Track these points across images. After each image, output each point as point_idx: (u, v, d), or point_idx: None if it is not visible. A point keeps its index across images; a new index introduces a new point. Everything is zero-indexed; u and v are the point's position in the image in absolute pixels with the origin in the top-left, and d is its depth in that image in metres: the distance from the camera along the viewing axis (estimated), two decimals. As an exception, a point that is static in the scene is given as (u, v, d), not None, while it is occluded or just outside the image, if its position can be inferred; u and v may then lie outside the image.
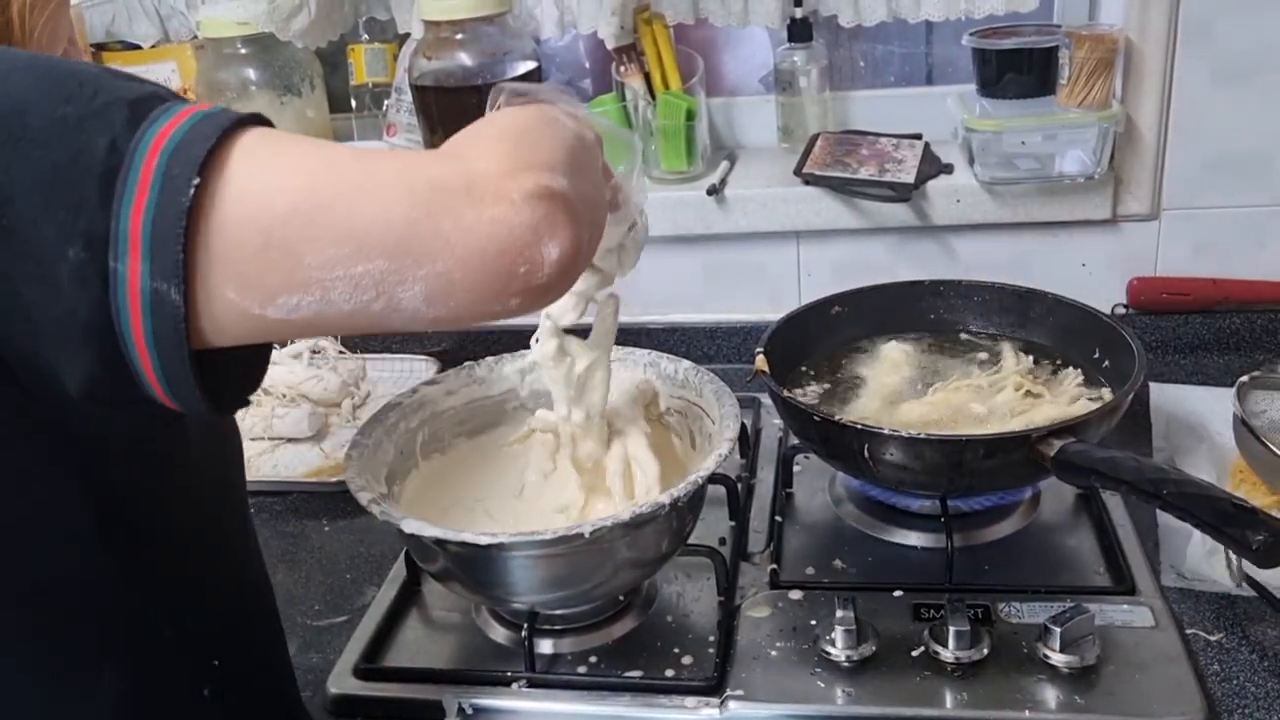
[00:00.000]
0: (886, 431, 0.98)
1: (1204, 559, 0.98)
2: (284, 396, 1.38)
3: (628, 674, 0.92)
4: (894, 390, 1.17)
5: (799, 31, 1.43)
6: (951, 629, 0.89)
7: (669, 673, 0.92)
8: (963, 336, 1.26)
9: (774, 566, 1.03)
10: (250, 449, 1.34)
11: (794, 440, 1.17)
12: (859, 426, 1.00)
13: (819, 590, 1.00)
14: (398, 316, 0.56)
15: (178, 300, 0.51)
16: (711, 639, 0.95)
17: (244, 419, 1.35)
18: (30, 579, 0.61)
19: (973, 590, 0.97)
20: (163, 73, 1.54)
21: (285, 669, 0.84)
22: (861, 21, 1.40)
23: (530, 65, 1.32)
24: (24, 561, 0.60)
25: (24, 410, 0.56)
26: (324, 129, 1.56)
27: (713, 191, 1.41)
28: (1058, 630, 0.88)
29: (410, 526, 0.85)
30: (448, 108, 1.31)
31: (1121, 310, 1.41)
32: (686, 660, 0.94)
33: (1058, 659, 0.88)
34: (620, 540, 0.89)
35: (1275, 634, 0.92)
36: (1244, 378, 1.13)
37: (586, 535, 0.83)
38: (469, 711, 0.91)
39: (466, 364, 1.12)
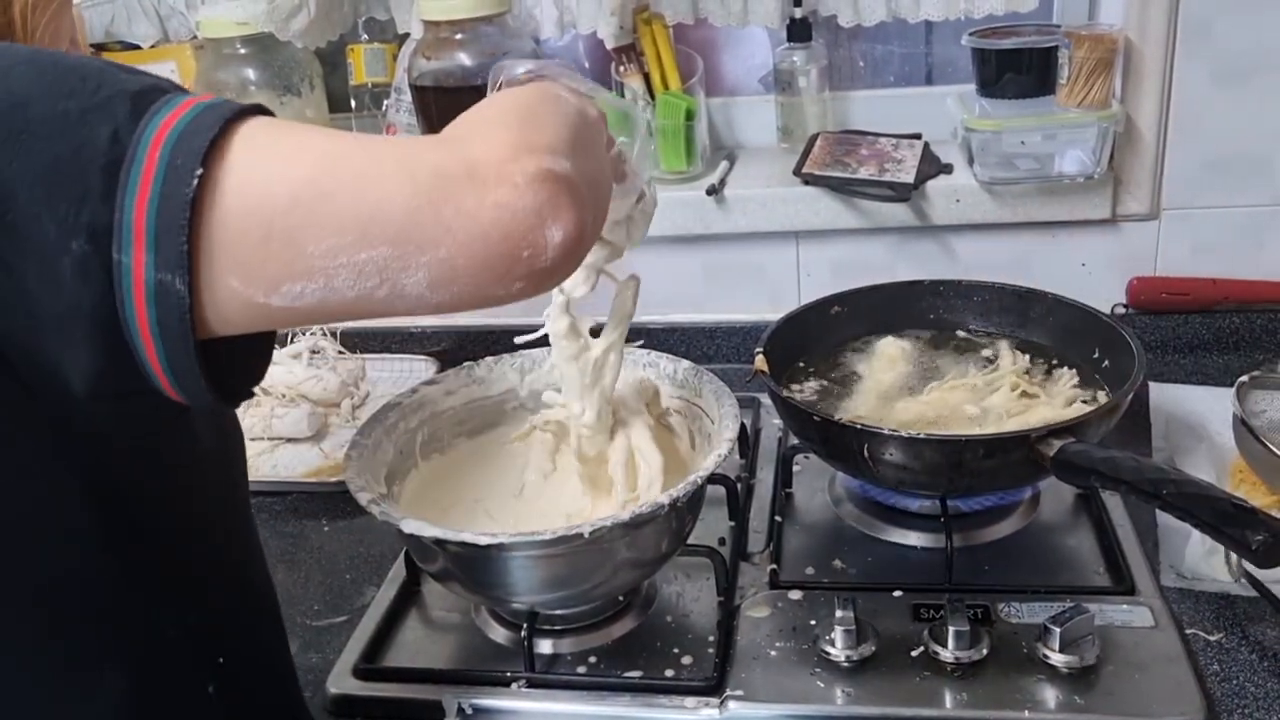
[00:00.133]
0: (886, 431, 0.98)
1: (1203, 559, 0.98)
2: (283, 396, 1.38)
3: (627, 674, 0.92)
4: (890, 387, 1.17)
5: (798, 31, 1.43)
6: (951, 629, 0.89)
7: (669, 673, 0.92)
8: (961, 335, 1.26)
9: (774, 566, 1.03)
10: (249, 449, 1.32)
11: (793, 440, 1.17)
12: (858, 426, 1.00)
13: (819, 590, 1.00)
14: (402, 303, 0.56)
15: (182, 290, 0.52)
16: (711, 639, 0.95)
17: (243, 419, 1.34)
18: (31, 578, 0.61)
19: (972, 590, 0.97)
20: (162, 73, 1.52)
21: (288, 668, 0.84)
22: (861, 21, 1.40)
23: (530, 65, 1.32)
24: (25, 560, 0.60)
25: (25, 407, 0.56)
26: (323, 129, 1.56)
27: (712, 191, 1.41)
28: (1057, 630, 0.88)
29: (410, 526, 0.85)
30: (447, 108, 1.30)
31: (1121, 310, 1.41)
32: (686, 660, 0.94)
33: (1057, 659, 0.88)
34: (620, 540, 0.89)
35: (1275, 634, 0.92)
36: (1243, 378, 1.13)
37: (586, 535, 0.83)
38: (468, 711, 0.91)
39: (466, 364, 1.12)
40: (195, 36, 1.50)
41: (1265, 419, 1.12)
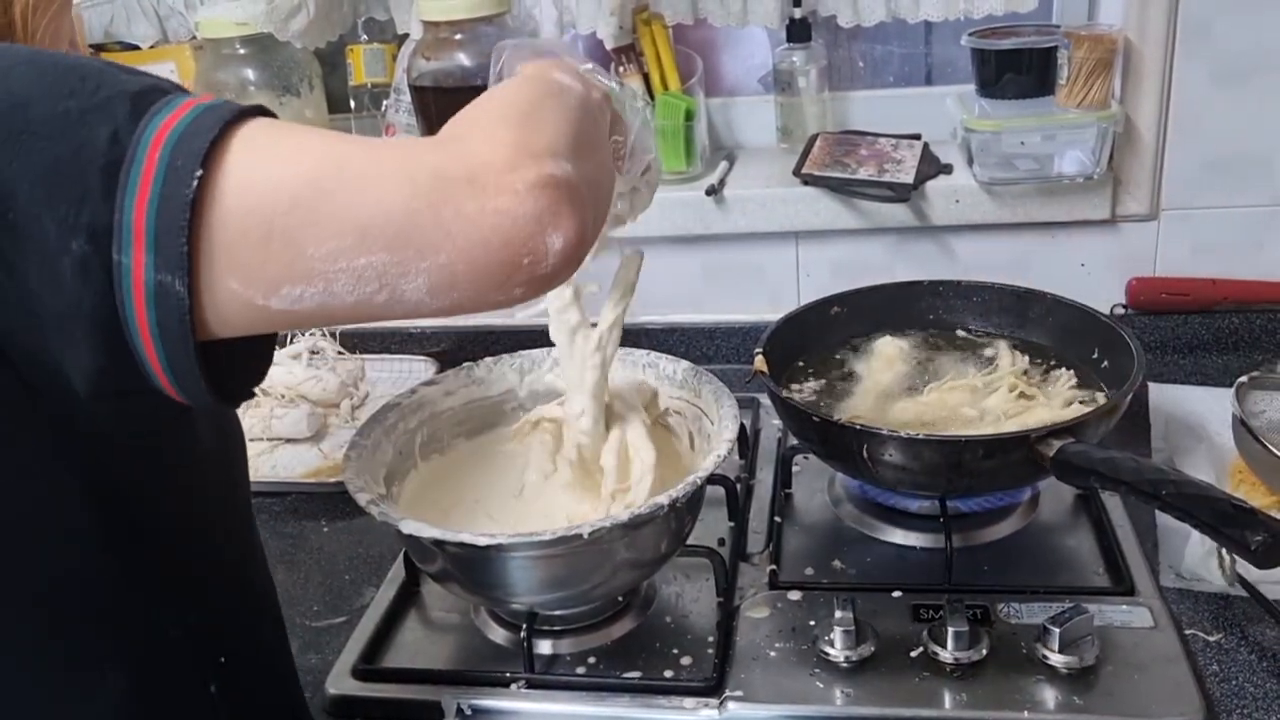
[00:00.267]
0: (885, 432, 0.98)
1: (1203, 559, 0.98)
2: (283, 397, 1.38)
3: (626, 675, 0.92)
4: (888, 387, 1.17)
5: (798, 32, 1.43)
6: (950, 629, 0.89)
7: (668, 673, 0.92)
8: (961, 335, 1.26)
9: (773, 567, 1.03)
10: (249, 449, 1.33)
11: (793, 441, 1.17)
12: (858, 427, 1.00)
13: (818, 591, 1.00)
14: (401, 308, 0.56)
15: (182, 292, 0.52)
16: (710, 640, 0.95)
17: (243, 419, 1.34)
18: (32, 577, 0.61)
19: (972, 591, 0.97)
20: (161, 74, 1.52)
21: (289, 669, 0.84)
22: (860, 22, 1.40)
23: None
24: (25, 560, 0.60)
25: (27, 406, 0.56)
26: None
27: (712, 192, 1.41)
28: (1057, 631, 0.88)
29: (409, 527, 0.85)
30: (447, 108, 1.29)
31: (1120, 310, 1.41)
32: (685, 661, 0.94)
33: (1056, 659, 0.88)
34: (619, 541, 0.89)
35: (1274, 634, 0.92)
36: (1243, 378, 1.13)
37: (585, 536, 0.83)
38: (468, 712, 0.91)
39: (465, 364, 1.12)
40: (194, 37, 1.50)
41: (1264, 419, 1.12)
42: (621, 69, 1.45)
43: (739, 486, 1.13)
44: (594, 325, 0.95)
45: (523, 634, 0.92)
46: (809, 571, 1.04)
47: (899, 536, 1.08)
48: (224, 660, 0.71)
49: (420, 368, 1.48)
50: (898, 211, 1.39)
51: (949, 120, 1.45)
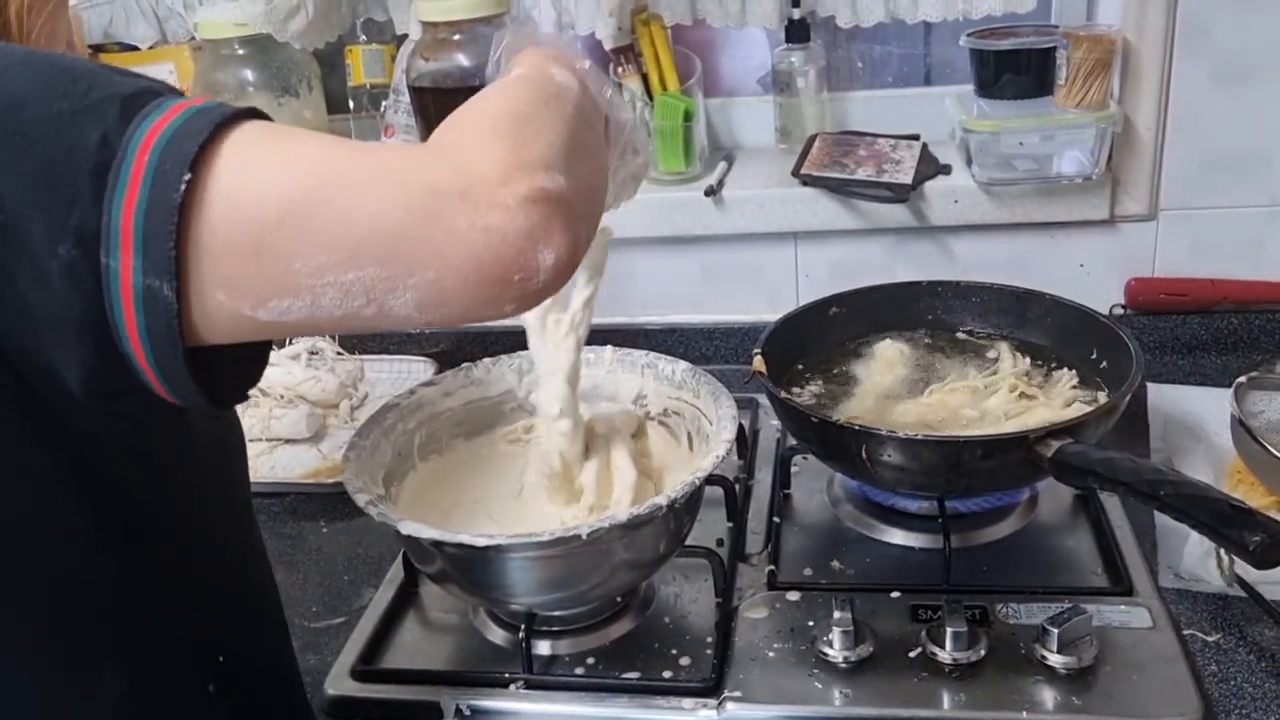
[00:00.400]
0: (884, 433, 0.98)
1: (1201, 560, 0.98)
2: (282, 398, 1.38)
3: (625, 675, 0.92)
4: (888, 390, 1.17)
5: (797, 32, 1.43)
6: (949, 630, 0.89)
7: (667, 674, 0.92)
8: (960, 337, 1.26)
9: (772, 567, 1.03)
10: (249, 450, 1.33)
11: (792, 441, 1.17)
12: (856, 427, 1.00)
13: (817, 591, 1.00)
14: (389, 321, 0.55)
15: (170, 297, 0.51)
16: (709, 640, 0.95)
17: (242, 420, 1.34)
18: (32, 577, 0.61)
19: (970, 591, 0.97)
20: (160, 74, 1.54)
21: (290, 669, 0.84)
22: (859, 22, 1.40)
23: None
24: (25, 559, 0.60)
25: (25, 406, 0.56)
26: (321, 130, 1.55)
27: (710, 192, 1.41)
28: (1055, 631, 0.88)
29: (408, 528, 0.85)
30: (445, 109, 1.29)
31: (1119, 311, 1.41)
32: (684, 661, 0.94)
33: (1055, 660, 0.88)
34: (618, 541, 0.89)
35: (1273, 635, 0.92)
36: (1241, 378, 1.13)
37: (584, 536, 0.83)
38: (467, 713, 0.91)
39: (464, 365, 1.12)
40: (193, 38, 1.50)
41: (1263, 419, 1.12)
42: (620, 69, 1.45)
43: (738, 487, 1.13)
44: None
45: (521, 635, 0.92)
46: (808, 572, 1.04)
47: (898, 537, 1.08)
48: (223, 660, 0.71)
49: (419, 368, 1.48)
50: (896, 212, 1.39)
51: (948, 121, 1.45)
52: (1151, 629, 0.92)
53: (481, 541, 0.84)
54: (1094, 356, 1.16)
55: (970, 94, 1.41)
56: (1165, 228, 1.39)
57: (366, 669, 0.96)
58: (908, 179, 1.37)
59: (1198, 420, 1.22)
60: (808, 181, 1.39)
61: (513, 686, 0.92)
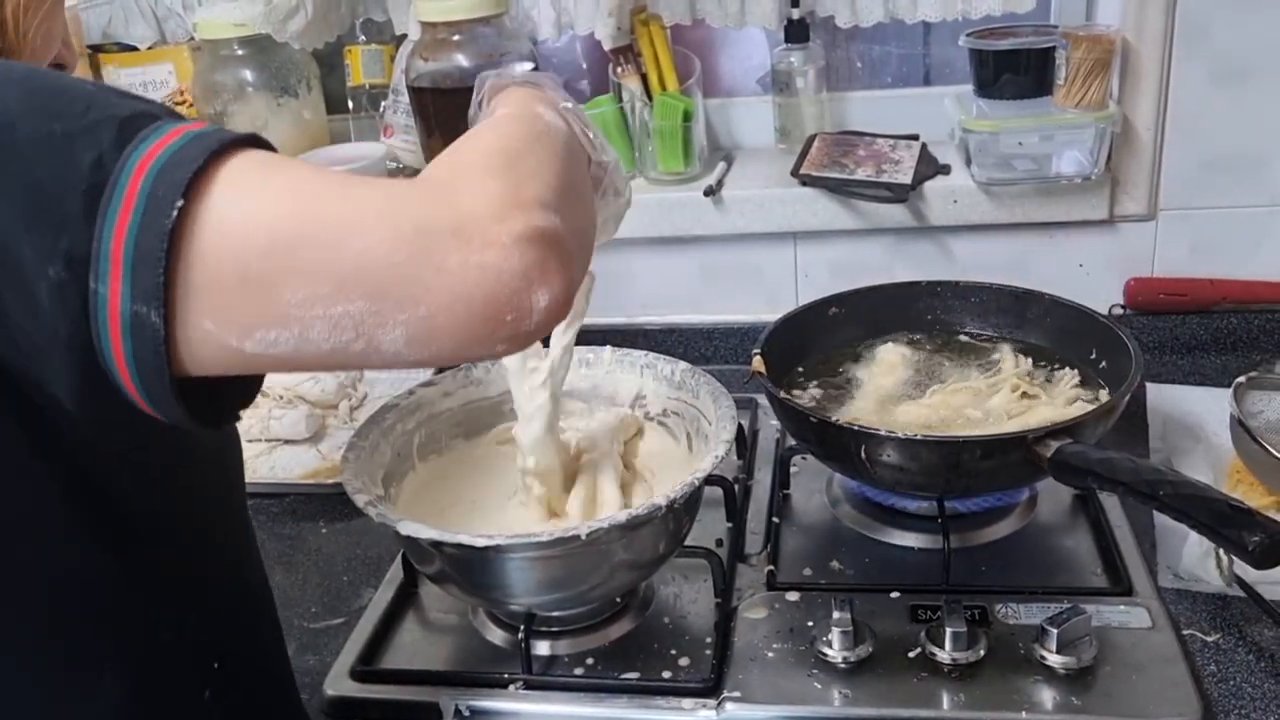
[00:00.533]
0: (883, 433, 0.98)
1: (1200, 560, 0.98)
2: (281, 398, 1.38)
3: (625, 676, 0.92)
4: (890, 392, 1.17)
5: (796, 32, 1.43)
6: (948, 630, 0.89)
7: (666, 674, 0.92)
8: (960, 338, 1.26)
9: (771, 568, 1.03)
10: (247, 450, 1.32)
11: (791, 441, 1.17)
12: (855, 428, 1.00)
13: (816, 591, 1.00)
14: (378, 358, 0.54)
15: (158, 323, 0.50)
16: (708, 640, 0.95)
17: (241, 420, 1.34)
18: (32, 577, 0.60)
19: (970, 591, 0.97)
20: (159, 74, 1.54)
21: (286, 671, 0.84)
22: (859, 22, 1.40)
23: (528, 66, 1.32)
24: (25, 559, 0.60)
25: (21, 412, 0.56)
26: (321, 130, 1.56)
27: (710, 192, 1.41)
28: (1054, 631, 0.88)
29: (407, 528, 0.85)
30: (444, 109, 1.30)
31: (1119, 311, 1.41)
32: (684, 662, 0.94)
33: (1054, 660, 0.88)
34: (617, 542, 0.89)
35: (1272, 635, 0.92)
36: (1241, 378, 1.13)
37: (583, 537, 0.83)
38: (466, 713, 0.91)
39: (463, 365, 1.12)
40: (192, 38, 1.50)
41: (1262, 419, 1.12)
42: (619, 69, 1.45)
43: (737, 487, 1.13)
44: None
45: (521, 635, 0.92)
46: (807, 572, 1.04)
47: (897, 537, 1.08)
48: (219, 664, 0.71)
49: (418, 369, 1.48)
50: (896, 212, 1.39)
51: (947, 121, 1.45)
52: (1151, 629, 0.92)
53: (481, 542, 0.84)
54: (1093, 356, 1.16)
55: (969, 94, 1.41)
56: (1164, 228, 1.39)
57: (366, 669, 0.96)
58: (907, 179, 1.37)
59: (1197, 420, 1.22)
60: (807, 181, 1.39)
61: (512, 687, 0.92)
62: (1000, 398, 1.12)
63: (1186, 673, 0.88)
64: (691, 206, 1.42)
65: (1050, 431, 0.95)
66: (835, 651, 0.90)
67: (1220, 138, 1.33)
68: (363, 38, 1.54)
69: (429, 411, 1.08)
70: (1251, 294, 1.38)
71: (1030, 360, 1.19)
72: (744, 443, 1.22)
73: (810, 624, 0.95)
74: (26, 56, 0.69)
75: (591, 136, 0.75)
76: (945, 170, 1.40)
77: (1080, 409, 1.08)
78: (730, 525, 1.10)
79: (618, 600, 0.99)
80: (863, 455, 0.99)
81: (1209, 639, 0.92)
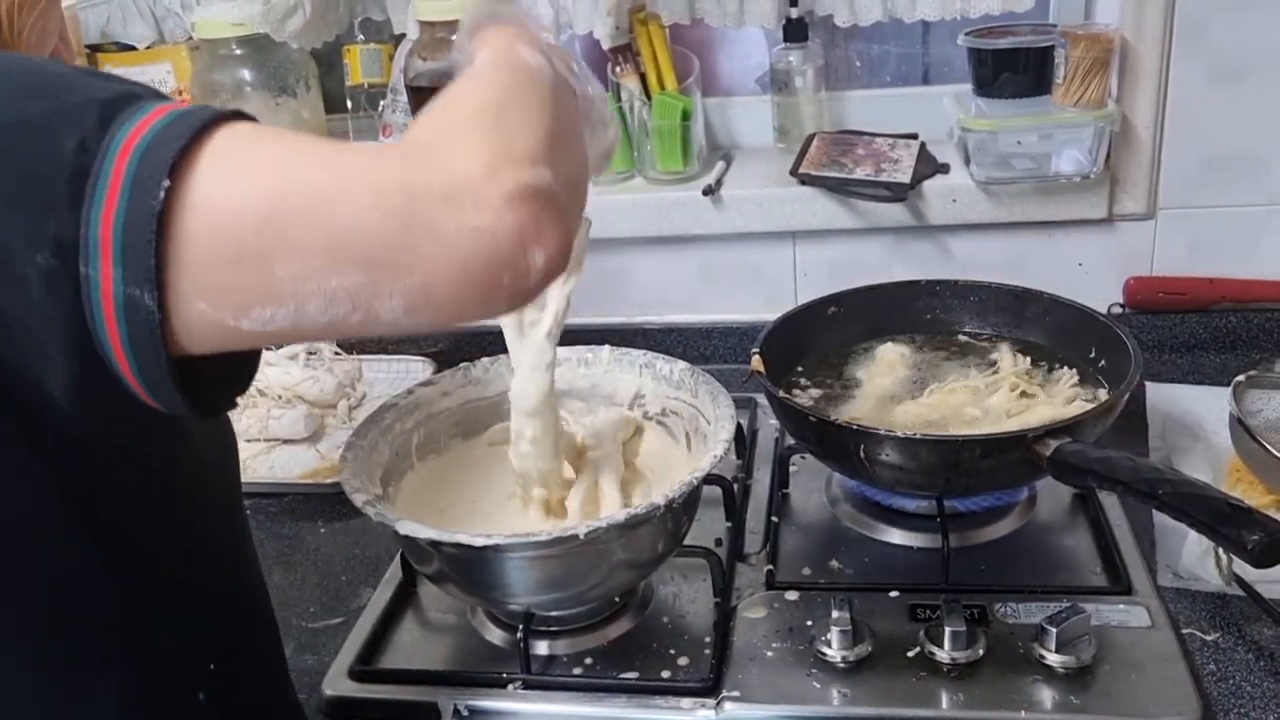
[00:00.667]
0: (882, 432, 0.98)
1: (1200, 559, 0.98)
2: (280, 398, 1.38)
3: (624, 675, 0.92)
4: (889, 391, 1.17)
5: (795, 31, 1.43)
6: (948, 629, 0.89)
7: (665, 674, 0.92)
8: (959, 337, 1.26)
9: (770, 567, 1.03)
10: (246, 450, 1.33)
11: (790, 441, 1.17)
12: (854, 427, 1.00)
13: (815, 591, 1.00)
14: (378, 327, 0.54)
15: (152, 305, 0.50)
16: (707, 640, 0.95)
17: (240, 420, 1.34)
18: (33, 577, 0.60)
19: (969, 590, 0.97)
20: (158, 74, 1.54)
21: (283, 672, 0.84)
22: (857, 21, 1.40)
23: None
24: (26, 559, 0.60)
25: (22, 409, 0.56)
26: (319, 130, 1.56)
27: (709, 192, 1.41)
28: (1054, 630, 0.88)
29: (405, 528, 0.85)
30: (443, 108, 1.31)
31: (1118, 310, 1.41)
32: (682, 661, 0.94)
33: (1054, 659, 0.88)
34: (615, 541, 0.89)
35: (1271, 634, 0.92)
36: (1240, 377, 1.13)
37: (582, 536, 0.83)
38: (465, 713, 0.90)
39: (462, 365, 1.12)
40: (191, 37, 1.50)
41: (1262, 418, 1.12)
42: (618, 69, 1.45)
43: (736, 487, 1.13)
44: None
45: (520, 635, 0.92)
46: (806, 571, 1.04)
47: (896, 536, 1.08)
48: (215, 665, 0.70)
49: (417, 368, 1.48)
50: (895, 211, 1.38)
51: (946, 120, 1.45)
52: (1150, 628, 0.92)
53: (479, 541, 0.84)
54: (1092, 355, 1.16)
55: (968, 93, 1.41)
56: (1163, 227, 1.38)
57: (364, 669, 0.96)
58: (906, 178, 1.36)
59: (1196, 419, 1.22)
60: (806, 181, 1.39)
61: (511, 687, 0.92)
62: (999, 397, 1.12)
63: (1186, 672, 0.87)
64: (690, 206, 1.42)
65: (1049, 430, 0.94)
66: (834, 651, 0.90)
67: (1219, 137, 1.33)
68: (361, 37, 1.54)
69: (428, 411, 1.08)
70: (1250, 293, 1.38)
71: (1029, 359, 1.19)
72: (743, 442, 1.22)
73: (809, 623, 0.95)
74: (21, 53, 0.68)
75: (576, 69, 0.73)
76: (944, 169, 1.40)
77: (1079, 408, 1.08)
78: (729, 525, 1.10)
79: (617, 600, 0.99)
80: (862, 454, 0.99)
81: (1208, 638, 0.92)
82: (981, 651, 0.89)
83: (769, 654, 0.93)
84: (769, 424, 1.27)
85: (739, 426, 1.13)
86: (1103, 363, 1.14)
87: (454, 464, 1.08)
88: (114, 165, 0.50)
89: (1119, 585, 0.97)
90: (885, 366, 1.21)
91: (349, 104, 1.57)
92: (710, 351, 1.48)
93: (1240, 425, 1.07)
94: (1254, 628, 0.93)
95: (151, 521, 0.65)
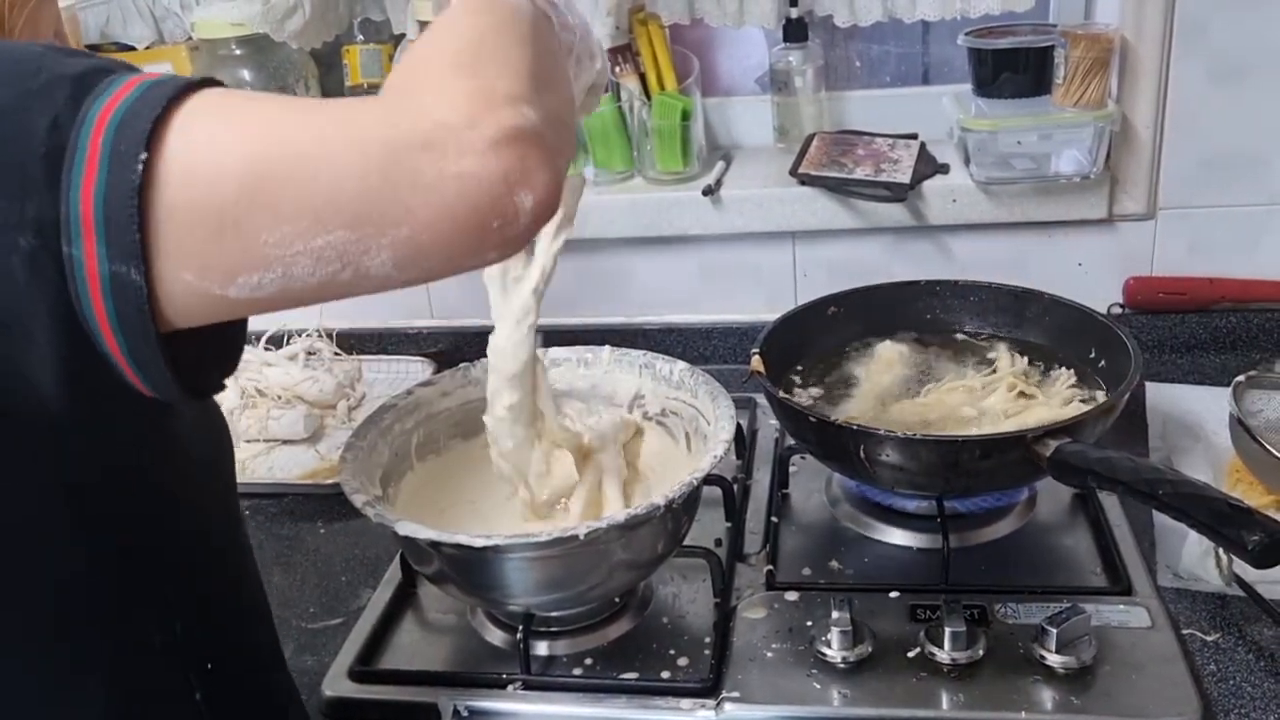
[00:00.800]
0: (882, 432, 0.98)
1: (1200, 559, 0.98)
2: (279, 398, 1.38)
3: (623, 676, 0.92)
4: (887, 390, 1.17)
5: (794, 31, 1.43)
6: (948, 630, 0.89)
7: (665, 674, 0.92)
8: (959, 337, 1.26)
9: (770, 567, 1.03)
10: (246, 451, 1.33)
11: (790, 441, 1.16)
12: (854, 427, 1.00)
13: (815, 591, 1.00)
14: (370, 283, 0.53)
15: (139, 281, 0.50)
16: (707, 640, 0.95)
17: (240, 421, 1.34)
18: (38, 580, 0.60)
19: (969, 591, 0.97)
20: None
21: (281, 673, 0.83)
22: (857, 21, 1.40)
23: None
24: (31, 561, 0.59)
25: (12, 410, 0.55)
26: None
27: (708, 192, 1.40)
28: (1054, 631, 0.88)
29: (405, 529, 0.85)
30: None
31: (1118, 310, 1.41)
32: (682, 662, 0.94)
33: (1054, 659, 0.88)
34: (615, 542, 0.89)
35: (1272, 634, 0.92)
36: (1240, 377, 1.13)
37: (581, 537, 0.83)
38: (465, 714, 0.90)
39: (462, 365, 1.12)
40: (190, 38, 1.50)
41: (1262, 418, 1.12)
42: (618, 69, 1.45)
43: (736, 487, 1.13)
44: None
45: (519, 635, 0.92)
46: (806, 572, 1.04)
47: (896, 537, 1.08)
48: (212, 666, 0.70)
49: (417, 368, 1.48)
50: (894, 211, 1.38)
51: (946, 120, 1.45)
52: (1150, 628, 0.92)
53: (479, 542, 0.84)
54: (1092, 355, 1.16)
55: (968, 93, 1.41)
56: (1163, 227, 1.38)
57: (364, 670, 0.95)
58: (906, 178, 1.36)
59: (1196, 419, 1.22)
60: (806, 181, 1.39)
61: (511, 687, 0.92)
62: (996, 397, 1.12)
63: (1186, 672, 0.87)
64: (690, 206, 1.42)
65: (1049, 431, 0.94)
66: (834, 651, 0.90)
67: (1219, 136, 1.33)
68: (361, 37, 1.54)
69: (427, 411, 1.08)
70: (1250, 293, 1.38)
71: (1026, 359, 1.19)
72: (743, 442, 1.21)
73: (809, 624, 0.95)
74: None
75: (557, 1, 0.71)
76: (944, 169, 1.40)
77: (1076, 409, 1.07)
78: (729, 525, 1.10)
79: (616, 600, 0.99)
80: (862, 455, 0.99)
81: (1208, 638, 0.92)
82: (982, 652, 0.89)
83: (769, 654, 0.93)
84: (769, 424, 1.27)
85: (739, 427, 1.13)
86: (1103, 363, 1.14)
87: (454, 464, 1.08)
88: (90, 140, 0.50)
89: (1119, 586, 0.97)
90: (883, 364, 1.21)
91: (349, 104, 1.57)
92: (710, 351, 1.48)
93: (1240, 425, 1.07)
94: (1254, 628, 0.93)
95: (140, 517, 0.64)
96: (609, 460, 1.01)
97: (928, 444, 0.98)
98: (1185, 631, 0.93)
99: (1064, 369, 1.17)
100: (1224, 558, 0.96)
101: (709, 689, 0.89)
